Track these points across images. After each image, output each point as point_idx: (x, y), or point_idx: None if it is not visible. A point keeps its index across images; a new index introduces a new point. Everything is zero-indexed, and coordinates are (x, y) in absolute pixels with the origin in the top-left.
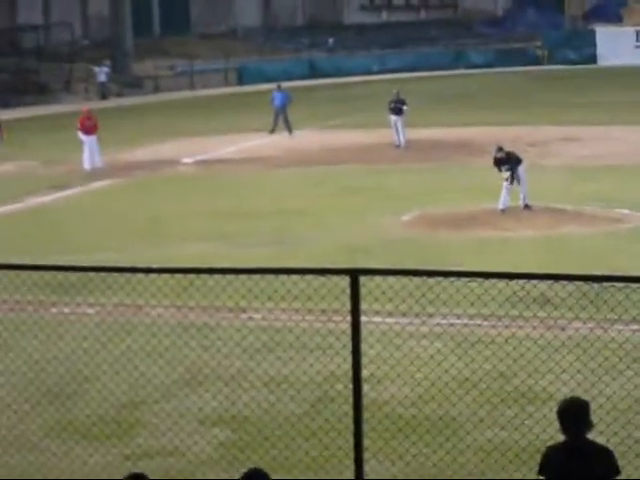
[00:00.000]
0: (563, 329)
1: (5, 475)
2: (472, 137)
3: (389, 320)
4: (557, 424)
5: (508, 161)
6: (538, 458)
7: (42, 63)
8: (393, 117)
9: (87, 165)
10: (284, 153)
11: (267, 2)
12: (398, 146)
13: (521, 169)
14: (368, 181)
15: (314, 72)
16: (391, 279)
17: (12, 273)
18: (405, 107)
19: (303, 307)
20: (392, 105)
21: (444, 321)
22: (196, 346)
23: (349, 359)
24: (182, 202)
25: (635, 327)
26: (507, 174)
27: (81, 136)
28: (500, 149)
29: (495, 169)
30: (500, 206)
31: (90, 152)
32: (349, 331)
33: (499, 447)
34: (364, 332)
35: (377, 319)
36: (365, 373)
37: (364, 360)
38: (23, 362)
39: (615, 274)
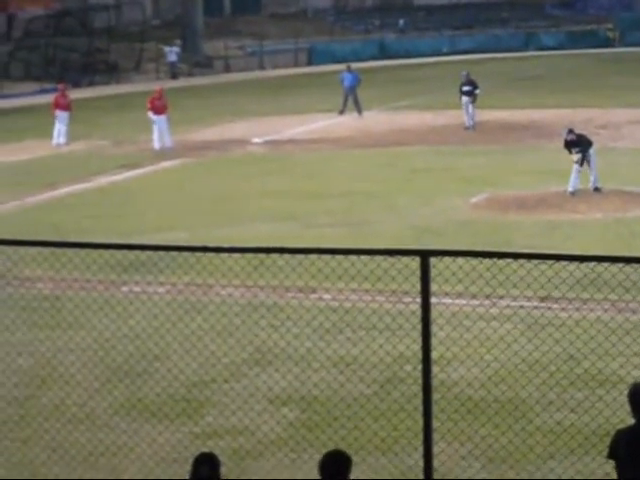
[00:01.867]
0: (634, 312)
1: (75, 452)
2: (542, 119)
3: (459, 301)
4: (627, 407)
5: (579, 143)
6: (608, 441)
7: (113, 43)
8: (465, 98)
9: (157, 145)
10: (353, 134)
11: None
12: (467, 128)
13: (591, 152)
14: (437, 163)
15: (384, 53)
16: (461, 260)
17: (83, 252)
18: (477, 90)
19: (373, 288)
20: (463, 88)
21: (514, 303)
22: (266, 325)
23: (418, 340)
24: (251, 182)
25: None
26: (577, 156)
27: (151, 116)
28: (571, 131)
29: (565, 151)
30: (570, 188)
31: (160, 132)
32: (419, 312)
33: (568, 430)
34: (434, 313)
35: (447, 300)
36: (434, 354)
37: (433, 341)
38: (94, 340)
39: None
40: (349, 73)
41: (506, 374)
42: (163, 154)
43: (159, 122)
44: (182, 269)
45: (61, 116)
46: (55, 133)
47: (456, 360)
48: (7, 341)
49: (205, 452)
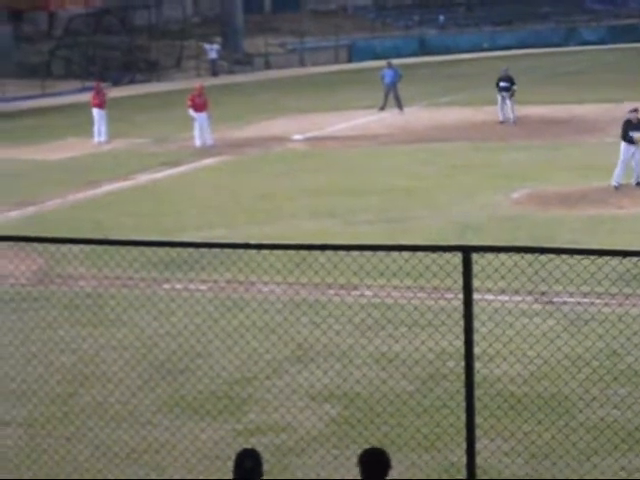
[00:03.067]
0: None
1: (118, 449)
2: (583, 114)
3: (501, 297)
4: None
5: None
6: None
7: (153, 41)
8: (501, 94)
9: (198, 142)
10: (394, 130)
11: None
12: (502, 122)
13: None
14: (478, 159)
15: (424, 49)
16: (503, 256)
17: (124, 250)
18: (514, 86)
19: (415, 284)
20: (500, 83)
21: (557, 299)
22: (308, 323)
23: (461, 336)
24: (292, 179)
25: None
26: (638, 135)
27: (192, 113)
28: (636, 110)
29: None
30: (614, 182)
31: (201, 129)
32: (461, 308)
33: (611, 426)
34: (476, 309)
35: (489, 296)
36: (477, 350)
37: (476, 337)
38: (136, 338)
39: None
40: (390, 69)
41: (549, 370)
42: (204, 151)
43: (200, 119)
44: (224, 266)
45: (98, 114)
46: (95, 131)
47: (499, 356)
48: (50, 338)
49: (247, 448)
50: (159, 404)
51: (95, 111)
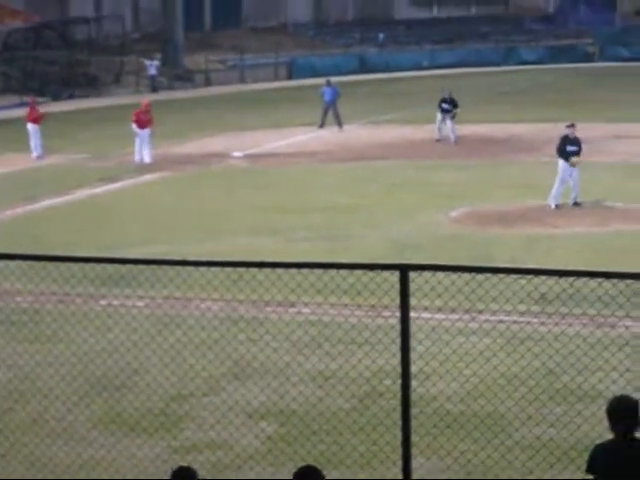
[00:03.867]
0: (613, 327)
1: (53, 466)
2: (522, 133)
3: (438, 316)
4: (606, 422)
5: (577, 143)
6: (586, 456)
7: (93, 56)
8: (441, 115)
9: (137, 157)
10: (333, 148)
11: None
12: (438, 140)
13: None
14: (417, 177)
15: (364, 67)
16: (440, 275)
17: (62, 265)
18: (457, 109)
19: (352, 302)
20: (443, 105)
21: (493, 317)
22: (245, 339)
23: (398, 355)
24: (232, 196)
25: None
26: (576, 159)
27: (135, 129)
28: (572, 125)
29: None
30: (553, 202)
31: (141, 145)
32: (398, 326)
33: (547, 444)
34: (413, 328)
35: (426, 315)
36: (413, 369)
37: (413, 356)
38: (72, 353)
39: None
40: (329, 87)
41: (485, 389)
42: (143, 168)
43: (141, 136)
44: (161, 283)
45: (33, 129)
46: (32, 146)
47: (435, 374)
48: None
49: (183, 465)
50: (95, 420)
51: (30, 126)
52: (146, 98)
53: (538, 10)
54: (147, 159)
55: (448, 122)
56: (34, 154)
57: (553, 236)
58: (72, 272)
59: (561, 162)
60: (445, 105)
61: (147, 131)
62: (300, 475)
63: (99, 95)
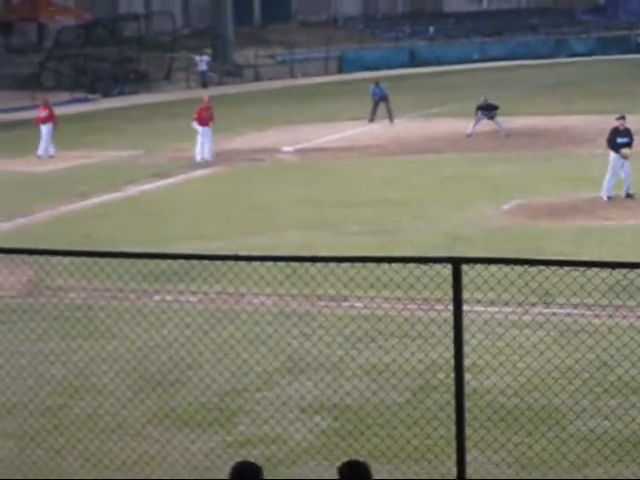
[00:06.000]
0: None
1: (108, 462)
2: (573, 125)
3: (491, 309)
4: None
5: (629, 134)
6: None
7: (143, 52)
8: (480, 113)
9: (198, 157)
10: (384, 141)
11: None
12: (469, 135)
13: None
14: (468, 170)
15: (414, 60)
16: (493, 268)
17: (115, 261)
18: (496, 111)
19: (405, 295)
20: (479, 113)
21: (546, 310)
22: (298, 334)
23: (451, 348)
24: (283, 190)
25: None
26: (627, 151)
27: (196, 126)
28: (622, 117)
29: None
30: (605, 194)
31: (202, 144)
32: (451, 320)
33: (602, 437)
34: (466, 321)
35: (479, 308)
36: (467, 362)
37: (466, 349)
38: (126, 349)
39: None
40: (377, 88)
41: (539, 382)
42: (195, 163)
43: (203, 133)
44: (214, 278)
45: (44, 129)
46: (40, 146)
47: (488, 368)
48: (40, 351)
49: (245, 461)
50: (149, 416)
51: (43, 127)
52: (205, 94)
53: (588, 1)
54: (208, 157)
55: (489, 121)
56: (39, 152)
57: (605, 228)
58: (125, 268)
59: (612, 154)
60: (482, 112)
61: (208, 128)
62: (346, 469)
63: (149, 91)
